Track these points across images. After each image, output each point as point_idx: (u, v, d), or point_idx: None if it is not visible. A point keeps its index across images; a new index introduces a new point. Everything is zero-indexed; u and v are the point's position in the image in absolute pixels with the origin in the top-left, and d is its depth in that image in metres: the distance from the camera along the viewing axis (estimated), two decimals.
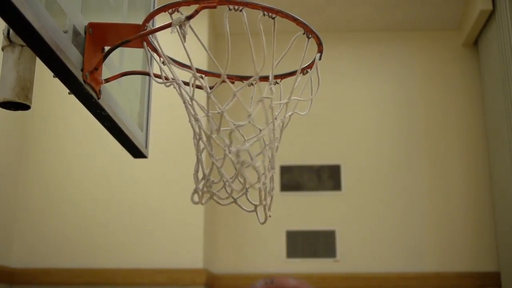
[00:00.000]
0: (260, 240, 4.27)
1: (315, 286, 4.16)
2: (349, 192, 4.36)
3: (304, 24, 1.41)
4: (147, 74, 1.70)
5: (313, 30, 1.43)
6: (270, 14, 1.34)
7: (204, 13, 3.83)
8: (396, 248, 4.22)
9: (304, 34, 1.44)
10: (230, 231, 4.30)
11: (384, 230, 4.26)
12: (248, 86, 1.43)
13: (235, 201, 1.44)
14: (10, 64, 1.35)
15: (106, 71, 1.54)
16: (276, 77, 1.60)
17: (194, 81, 1.41)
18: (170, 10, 1.35)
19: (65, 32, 1.31)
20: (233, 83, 1.61)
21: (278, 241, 4.26)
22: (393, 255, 4.21)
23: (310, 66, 1.57)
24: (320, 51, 1.52)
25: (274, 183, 1.50)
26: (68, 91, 1.43)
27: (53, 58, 1.25)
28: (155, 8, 1.40)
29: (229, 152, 1.38)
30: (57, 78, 1.37)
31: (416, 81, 4.56)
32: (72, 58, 1.32)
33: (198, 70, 1.59)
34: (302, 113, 1.56)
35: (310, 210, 4.33)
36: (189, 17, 1.33)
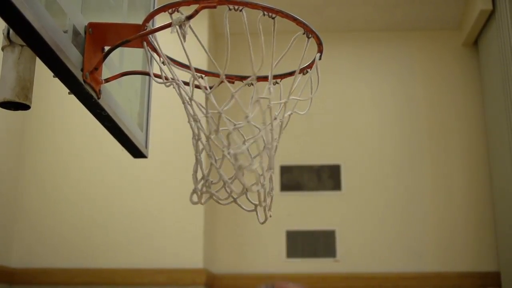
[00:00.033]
0: (260, 240, 4.27)
1: (315, 286, 4.16)
2: (349, 192, 4.36)
3: (304, 24, 1.41)
4: (147, 74, 1.70)
5: (313, 30, 1.43)
6: (270, 14, 1.34)
7: (204, 13, 3.83)
8: (396, 248, 4.22)
9: (304, 34, 1.44)
10: (230, 231, 4.30)
11: (384, 230, 4.26)
12: (248, 86, 1.43)
13: (235, 200, 1.44)
14: (10, 64, 1.35)
15: (106, 71, 1.54)
16: (276, 77, 1.60)
17: (193, 81, 1.41)
18: (170, 10, 1.35)
19: (65, 32, 1.31)
20: (233, 83, 1.61)
21: (278, 241, 4.26)
22: (393, 255, 4.21)
23: (310, 66, 1.57)
24: (320, 51, 1.52)
25: (273, 183, 1.50)
26: (68, 91, 1.43)
27: (53, 58, 1.25)
28: (155, 8, 1.40)
29: (228, 153, 1.38)
30: (57, 78, 1.37)
31: (416, 81, 4.56)
32: (72, 58, 1.32)
33: (198, 70, 1.59)
34: (302, 113, 1.56)
35: (310, 210, 4.33)
36: (189, 17, 1.33)
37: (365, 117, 4.50)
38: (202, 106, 1.42)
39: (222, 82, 1.38)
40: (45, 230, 3.83)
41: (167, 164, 3.86)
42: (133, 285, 3.69)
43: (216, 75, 1.56)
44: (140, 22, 1.46)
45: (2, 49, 1.38)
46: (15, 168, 3.88)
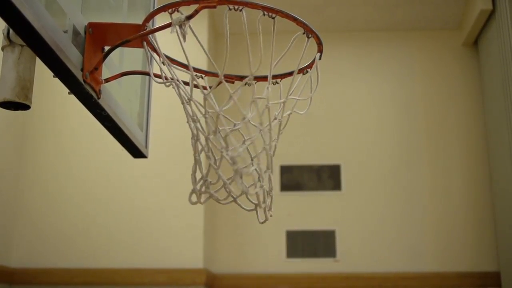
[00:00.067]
0: (260, 240, 4.27)
1: (315, 286, 4.16)
2: (349, 192, 4.36)
3: (304, 23, 1.41)
4: (147, 74, 1.71)
5: (313, 29, 1.43)
6: (270, 14, 1.34)
7: (204, 13, 3.83)
8: (396, 248, 4.22)
9: (304, 34, 1.44)
10: (230, 231, 4.30)
11: (384, 230, 4.26)
12: (248, 85, 1.43)
13: (234, 200, 1.44)
14: (10, 64, 1.35)
15: (106, 71, 1.54)
16: (276, 76, 1.60)
17: (192, 81, 1.41)
18: (170, 10, 1.35)
19: (65, 32, 1.31)
20: (233, 83, 1.61)
21: (278, 241, 4.26)
22: (393, 255, 4.21)
23: (310, 66, 1.57)
24: (320, 50, 1.52)
25: (272, 183, 1.50)
26: (68, 91, 1.43)
27: (53, 58, 1.25)
28: (155, 8, 1.40)
29: (226, 155, 1.38)
30: (57, 78, 1.37)
31: (416, 81, 4.56)
32: (72, 58, 1.32)
33: (198, 70, 1.59)
34: (301, 112, 1.56)
35: (310, 210, 4.33)
36: (189, 17, 1.33)
37: (365, 117, 4.50)
38: (202, 106, 1.42)
39: (220, 82, 1.38)
40: (45, 230, 3.83)
41: (167, 164, 3.86)
42: (133, 285, 3.69)
43: (216, 75, 1.56)
44: (140, 22, 1.46)
45: (2, 49, 1.38)
46: (15, 168, 3.88)
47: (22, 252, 3.79)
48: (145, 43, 1.48)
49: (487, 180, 4.30)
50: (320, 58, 1.53)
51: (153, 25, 1.74)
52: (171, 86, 1.47)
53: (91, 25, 1.45)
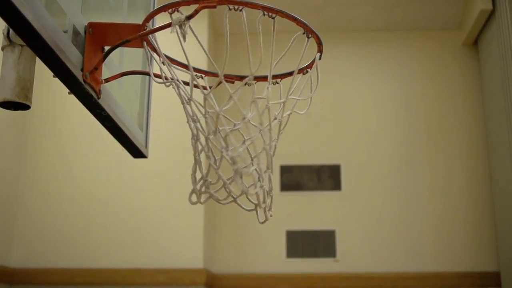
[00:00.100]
0: (260, 240, 4.27)
1: (315, 286, 4.16)
2: (349, 192, 4.36)
3: (304, 23, 1.41)
4: (147, 74, 1.71)
5: (313, 29, 1.43)
6: (270, 13, 1.34)
7: (204, 13, 3.83)
8: (396, 248, 4.22)
9: (304, 33, 1.44)
10: (230, 231, 4.30)
11: (384, 230, 4.26)
12: (248, 86, 1.43)
13: (234, 200, 1.44)
14: (10, 64, 1.35)
15: (106, 71, 1.54)
16: (276, 76, 1.60)
17: (192, 81, 1.41)
18: (170, 10, 1.35)
19: (65, 32, 1.31)
20: (233, 83, 1.61)
21: (278, 241, 4.26)
22: (393, 255, 4.21)
23: (310, 66, 1.57)
24: (320, 50, 1.52)
25: (272, 183, 1.50)
26: (68, 91, 1.43)
27: (53, 58, 1.25)
28: (155, 8, 1.40)
29: (226, 155, 1.38)
30: (57, 78, 1.37)
31: (416, 81, 4.56)
32: (72, 58, 1.32)
33: (198, 70, 1.59)
34: (301, 112, 1.56)
35: (310, 210, 4.33)
36: (189, 17, 1.33)
37: (365, 117, 4.50)
38: (202, 106, 1.42)
39: (220, 82, 1.38)
40: (45, 230, 3.83)
41: (167, 164, 3.86)
42: (133, 285, 3.69)
43: (216, 75, 1.56)
44: (140, 22, 1.46)
45: (2, 49, 1.38)
46: (15, 168, 3.88)
47: (22, 252, 3.79)
48: (145, 43, 1.48)
49: (487, 180, 4.30)
50: (320, 58, 1.53)
51: (153, 25, 1.74)
52: (171, 86, 1.47)
53: (91, 25, 1.45)
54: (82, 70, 1.39)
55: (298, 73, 1.54)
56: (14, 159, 3.88)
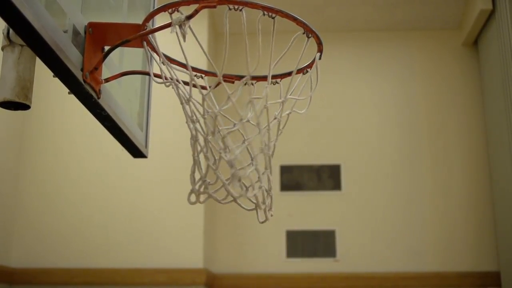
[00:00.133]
0: (260, 240, 4.27)
1: (315, 286, 4.16)
2: (349, 192, 4.36)
3: (304, 23, 1.41)
4: (147, 74, 1.71)
5: (313, 29, 1.43)
6: (270, 13, 1.34)
7: (204, 13, 3.83)
8: (396, 248, 4.22)
9: (304, 33, 1.44)
10: (230, 231, 4.30)
11: (384, 230, 4.26)
12: (248, 85, 1.43)
13: (234, 200, 1.44)
14: (10, 64, 1.35)
15: (106, 71, 1.54)
16: (276, 76, 1.60)
17: (191, 81, 1.41)
18: (170, 10, 1.35)
19: (65, 32, 1.31)
20: (233, 83, 1.61)
21: (278, 241, 4.26)
22: (393, 255, 4.21)
23: (310, 66, 1.57)
24: (320, 50, 1.52)
25: (272, 183, 1.50)
26: (68, 91, 1.43)
27: (53, 58, 1.25)
28: (155, 8, 1.40)
29: (225, 156, 1.38)
30: (57, 78, 1.37)
31: (416, 81, 4.56)
32: (72, 58, 1.32)
33: (198, 70, 1.59)
34: (301, 112, 1.56)
35: (310, 210, 4.33)
36: (189, 17, 1.33)
37: (365, 117, 4.50)
38: (201, 106, 1.42)
39: (219, 83, 1.38)
40: (45, 230, 3.83)
41: (167, 164, 3.86)
42: (133, 285, 3.69)
43: (216, 75, 1.56)
44: (140, 22, 1.46)
45: (2, 49, 1.38)
46: (14, 168, 3.88)
47: (22, 252, 3.79)
48: (145, 43, 1.48)
49: (487, 180, 4.30)
50: (320, 58, 1.53)
51: (153, 25, 1.74)
52: (171, 86, 1.47)
53: (91, 25, 1.45)
54: (82, 70, 1.39)
55: (298, 73, 1.54)
56: (13, 159, 3.88)
